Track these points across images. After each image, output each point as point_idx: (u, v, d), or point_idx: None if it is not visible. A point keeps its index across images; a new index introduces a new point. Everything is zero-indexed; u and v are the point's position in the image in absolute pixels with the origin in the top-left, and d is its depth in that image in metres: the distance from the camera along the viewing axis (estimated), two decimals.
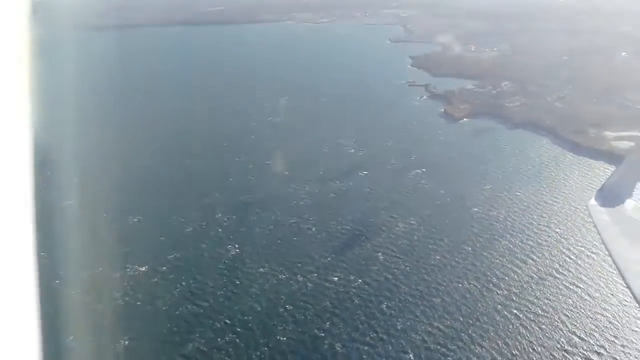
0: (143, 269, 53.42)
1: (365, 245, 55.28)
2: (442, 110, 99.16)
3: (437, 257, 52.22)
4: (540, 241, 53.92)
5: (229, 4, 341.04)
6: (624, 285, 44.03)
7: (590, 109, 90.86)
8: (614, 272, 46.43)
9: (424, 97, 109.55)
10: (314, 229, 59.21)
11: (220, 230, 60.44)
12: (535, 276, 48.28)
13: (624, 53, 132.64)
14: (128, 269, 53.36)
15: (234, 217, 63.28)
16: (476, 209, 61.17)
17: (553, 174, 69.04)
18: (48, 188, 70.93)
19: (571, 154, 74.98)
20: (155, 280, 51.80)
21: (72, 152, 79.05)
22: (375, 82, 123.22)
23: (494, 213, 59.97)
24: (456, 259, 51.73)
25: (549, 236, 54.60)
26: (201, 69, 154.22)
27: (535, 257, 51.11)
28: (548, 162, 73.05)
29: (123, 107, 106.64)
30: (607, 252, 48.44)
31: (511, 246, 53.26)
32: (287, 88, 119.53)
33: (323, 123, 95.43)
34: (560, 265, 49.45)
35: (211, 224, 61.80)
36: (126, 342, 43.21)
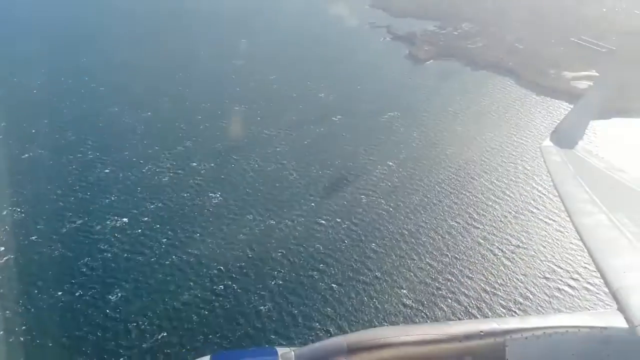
0: (125, 220, 52.44)
1: (347, 188, 56.29)
2: (407, 52, 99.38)
3: (418, 198, 54.10)
4: (511, 180, 56.79)
5: None
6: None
7: (549, 49, 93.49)
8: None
9: (387, 38, 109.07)
10: (295, 175, 59.51)
11: (199, 178, 59.66)
12: (511, 212, 51.19)
13: None
14: (109, 221, 52.27)
15: (212, 164, 62.43)
16: (450, 151, 63.11)
17: (519, 114, 71.87)
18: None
19: (534, 94, 77.85)
20: (139, 230, 51.09)
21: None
22: (335, 24, 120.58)
23: (468, 154, 62.14)
24: (437, 198, 53.81)
25: (517, 176, 57.48)
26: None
27: (509, 194, 53.97)
28: (513, 102, 75.68)
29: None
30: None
31: (487, 184, 55.83)
32: (244, 33, 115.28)
33: (287, 68, 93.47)
34: (533, 201, 52.56)
35: (188, 173, 60.85)
36: (119, 295, 43.06)
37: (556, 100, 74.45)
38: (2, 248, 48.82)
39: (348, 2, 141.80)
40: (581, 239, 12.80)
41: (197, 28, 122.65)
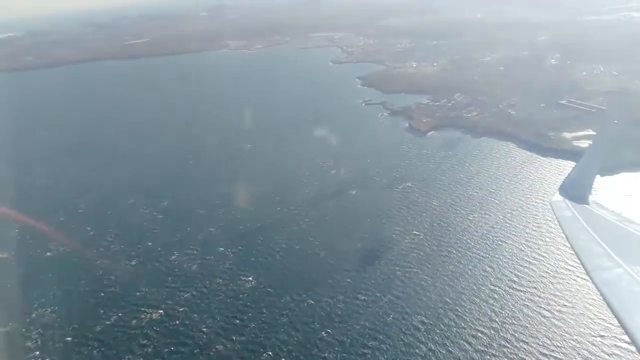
0: (160, 311, 51.46)
1: (380, 261, 56.39)
2: (407, 125, 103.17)
3: (452, 266, 54.29)
4: (540, 240, 57.61)
5: (154, 36, 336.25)
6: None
7: (542, 113, 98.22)
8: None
9: (385, 114, 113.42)
10: (324, 251, 59.63)
11: (229, 263, 59.37)
12: (549, 271, 51.50)
13: (553, 60, 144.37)
14: (144, 315, 51.22)
15: (239, 247, 62.38)
16: (472, 216, 64.23)
17: (531, 175, 73.95)
18: None
19: (539, 155, 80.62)
20: (177, 321, 50.05)
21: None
22: (332, 103, 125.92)
23: (491, 218, 63.26)
24: (471, 264, 54.08)
25: (544, 235, 58.36)
26: (152, 102, 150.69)
27: (542, 254, 54.50)
28: (521, 165, 78.08)
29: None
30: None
31: (518, 246, 56.42)
32: (248, 116, 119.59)
33: (295, 147, 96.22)
34: (567, 258, 53.13)
35: (217, 258, 60.52)
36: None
37: (562, 160, 77.14)
38: (37, 352, 47.30)
39: (340, 83, 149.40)
40: (601, 295, 12.43)
41: (201, 109, 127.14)
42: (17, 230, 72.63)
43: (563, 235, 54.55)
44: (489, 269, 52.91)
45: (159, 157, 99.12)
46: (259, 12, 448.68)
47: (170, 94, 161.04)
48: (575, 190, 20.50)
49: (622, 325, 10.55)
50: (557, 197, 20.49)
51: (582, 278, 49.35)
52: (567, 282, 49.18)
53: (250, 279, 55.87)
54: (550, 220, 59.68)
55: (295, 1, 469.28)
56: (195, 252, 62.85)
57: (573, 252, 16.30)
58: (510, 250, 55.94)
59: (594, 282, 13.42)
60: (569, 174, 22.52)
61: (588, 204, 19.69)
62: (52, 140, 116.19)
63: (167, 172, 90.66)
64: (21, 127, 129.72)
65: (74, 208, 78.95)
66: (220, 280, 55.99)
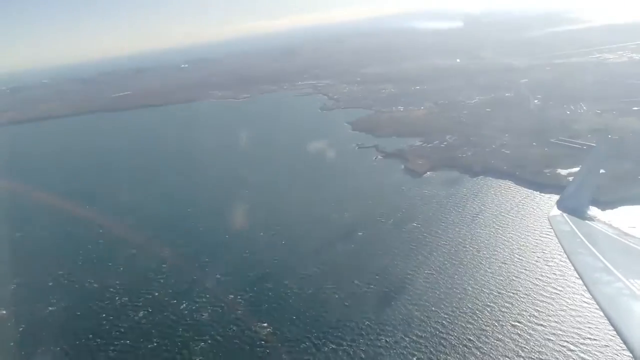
0: None
1: (397, 302, 55.82)
2: (403, 167, 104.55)
3: (471, 304, 53.92)
4: (552, 274, 57.86)
5: (136, 89, 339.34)
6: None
7: (534, 151, 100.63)
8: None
9: (379, 157, 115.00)
10: (338, 294, 58.92)
11: (241, 310, 58.23)
12: (568, 305, 51.53)
13: (536, 101, 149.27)
14: None
15: (250, 294, 61.35)
16: (482, 253, 64.46)
17: (534, 210, 74.93)
18: None
19: (537, 192, 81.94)
20: None
21: None
22: (325, 149, 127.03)
23: (501, 254, 63.56)
24: (488, 300, 53.90)
25: (556, 269, 58.85)
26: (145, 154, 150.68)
27: (558, 288, 54.65)
28: (523, 201, 79.13)
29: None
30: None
31: (532, 280, 56.58)
32: (244, 164, 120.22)
33: (294, 193, 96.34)
34: (584, 291, 53.30)
35: (228, 306, 59.34)
36: None
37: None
38: None
39: (331, 129, 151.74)
40: (601, 309, 12.45)
41: (195, 157, 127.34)
42: (13, 287, 70.57)
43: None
44: (507, 304, 52.74)
45: (157, 206, 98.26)
46: (240, 64, 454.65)
47: (162, 142, 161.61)
48: (573, 204, 20.44)
49: (622, 339, 10.54)
50: (555, 211, 20.40)
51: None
52: (587, 315, 49.13)
53: (265, 325, 54.69)
54: (560, 254, 60.24)
55: (272, 54, 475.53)
56: (204, 300, 61.59)
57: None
58: (525, 285, 56.02)
59: (593, 297, 13.30)
60: (566, 188, 22.49)
61: (586, 218, 19.63)
62: (50, 187, 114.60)
63: (167, 221, 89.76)
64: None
65: (72, 261, 77.28)
66: (235, 327, 54.71)
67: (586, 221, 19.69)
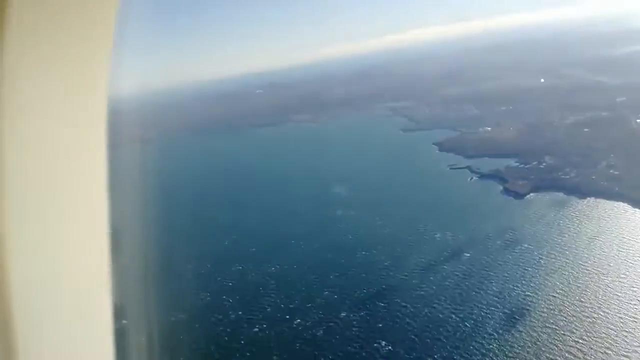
0: None
1: (520, 325, 53.61)
2: (502, 188, 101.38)
3: (604, 331, 50.84)
4: None
5: (216, 112, 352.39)
6: None
7: None
8: None
9: (474, 177, 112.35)
10: (456, 317, 57.48)
11: (356, 329, 58.12)
12: None
13: (638, 120, 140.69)
14: None
15: (361, 314, 61.19)
16: (606, 280, 60.76)
17: None
18: None
19: None
20: None
21: None
22: (417, 169, 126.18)
23: (629, 279, 59.67)
24: (625, 329, 50.55)
25: None
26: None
27: None
28: None
29: None
30: None
31: None
32: (337, 185, 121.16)
33: (391, 212, 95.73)
34: None
35: (343, 325, 59.41)
36: None
37: None
38: None
39: (417, 150, 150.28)
40: None
41: (285, 181, 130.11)
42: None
43: None
44: None
45: (263, 224, 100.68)
46: (313, 88, 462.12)
47: (256, 164, 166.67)
48: None
49: None
50: None
51: None
52: None
53: (383, 344, 54.23)
54: None
55: (346, 76, 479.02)
56: (317, 317, 62.09)
57: None
58: None
59: None
60: None
61: None
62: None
63: (268, 240, 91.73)
64: None
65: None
66: (354, 345, 54.62)
67: None
